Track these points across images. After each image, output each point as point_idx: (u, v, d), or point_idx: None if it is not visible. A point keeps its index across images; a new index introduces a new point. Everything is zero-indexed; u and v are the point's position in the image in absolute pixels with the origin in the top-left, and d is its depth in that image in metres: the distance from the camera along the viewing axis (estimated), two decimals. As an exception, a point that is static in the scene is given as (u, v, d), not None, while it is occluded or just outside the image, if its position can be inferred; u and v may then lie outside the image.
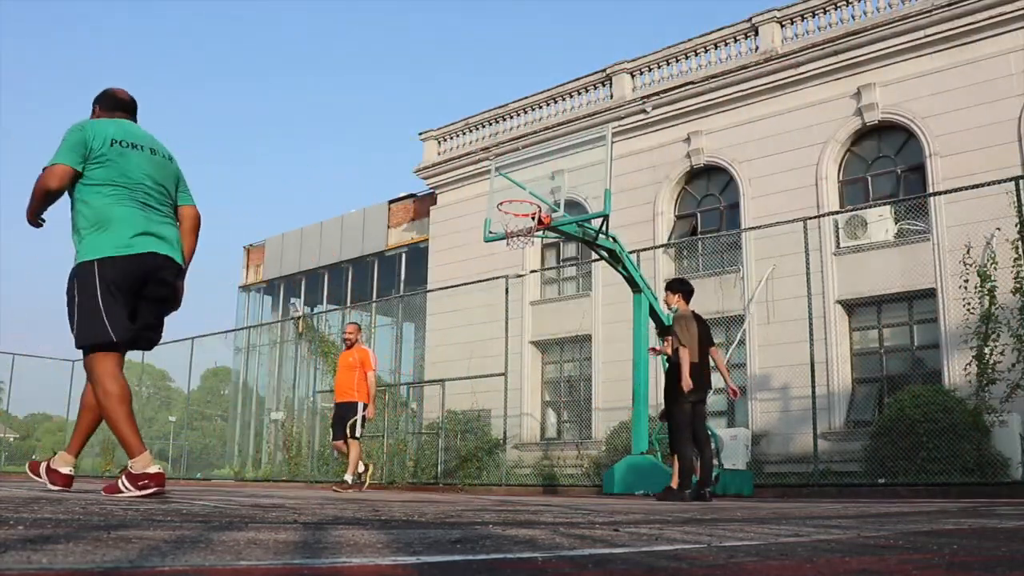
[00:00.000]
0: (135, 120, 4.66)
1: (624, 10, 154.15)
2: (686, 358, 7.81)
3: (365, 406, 9.93)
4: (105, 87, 4.73)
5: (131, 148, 4.36)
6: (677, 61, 18.18)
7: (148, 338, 4.52)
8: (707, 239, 17.08)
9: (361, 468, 10.11)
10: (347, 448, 9.90)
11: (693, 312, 8.15)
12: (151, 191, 4.36)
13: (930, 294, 14.09)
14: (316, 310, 25.91)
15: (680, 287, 8.36)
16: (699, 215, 17.82)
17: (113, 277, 4.13)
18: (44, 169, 4.19)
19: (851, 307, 15.35)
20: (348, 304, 23.18)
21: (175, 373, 28.53)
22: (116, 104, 4.63)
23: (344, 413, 9.92)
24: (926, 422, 10.42)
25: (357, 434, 9.83)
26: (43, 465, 4.94)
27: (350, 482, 9.65)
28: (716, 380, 8.52)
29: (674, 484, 7.87)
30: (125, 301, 4.20)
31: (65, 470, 4.74)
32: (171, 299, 4.47)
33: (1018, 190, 9.54)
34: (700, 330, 8.03)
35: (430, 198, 22.96)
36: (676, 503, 6.68)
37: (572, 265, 19.58)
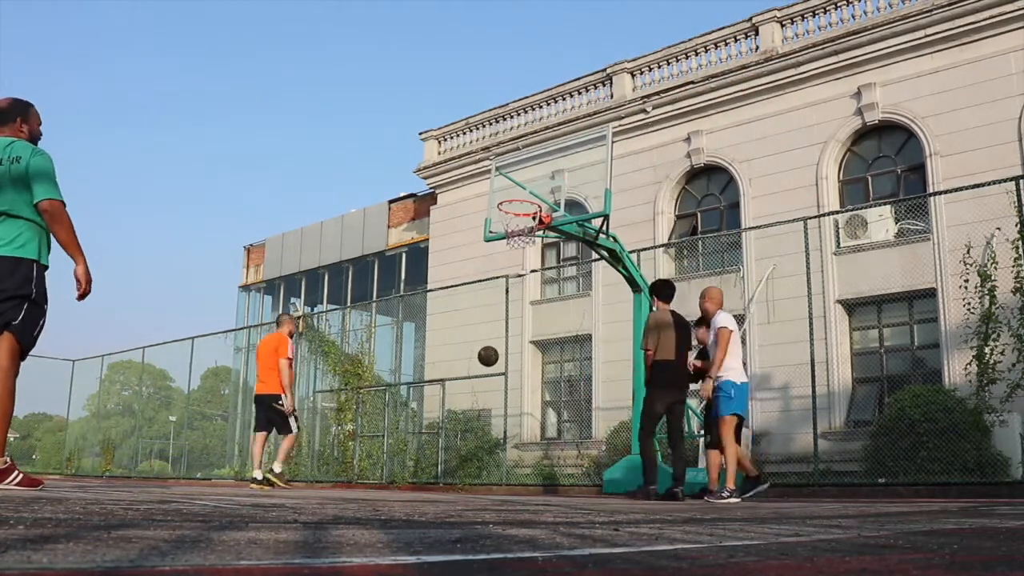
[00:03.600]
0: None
1: (624, 10, 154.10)
2: (649, 360, 7.89)
3: None
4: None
5: None
6: (677, 61, 18.17)
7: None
8: (707, 239, 17.07)
9: None
10: None
11: (673, 312, 8.07)
12: None
13: (930, 294, 14.08)
14: (316, 310, 25.90)
15: (655, 290, 8.32)
16: (699, 215, 17.81)
17: None
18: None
19: (851, 307, 15.34)
20: (348, 304, 23.18)
21: (175, 373, 28.47)
22: None
23: None
24: (926, 422, 10.41)
25: None
26: None
27: None
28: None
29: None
30: None
31: None
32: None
33: (1018, 190, 9.53)
34: (680, 330, 7.94)
35: (430, 198, 22.96)
36: (642, 501, 6.66)
37: (572, 265, 19.57)
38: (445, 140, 22.48)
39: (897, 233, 15.01)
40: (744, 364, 8.24)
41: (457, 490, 13.27)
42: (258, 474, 9.10)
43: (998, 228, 11.09)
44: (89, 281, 4.66)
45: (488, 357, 11.20)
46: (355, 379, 16.92)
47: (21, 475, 4.60)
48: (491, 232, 9.84)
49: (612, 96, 19.01)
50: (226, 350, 24.21)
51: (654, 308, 8.36)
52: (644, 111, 18.22)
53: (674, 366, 7.86)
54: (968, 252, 10.37)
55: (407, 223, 24.06)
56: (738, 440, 8.10)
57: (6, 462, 4.53)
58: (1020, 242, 9.49)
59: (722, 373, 7.47)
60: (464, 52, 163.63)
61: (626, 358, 11.00)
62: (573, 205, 15.62)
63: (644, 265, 13.60)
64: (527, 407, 18.83)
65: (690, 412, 11.24)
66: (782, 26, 16.79)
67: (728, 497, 7.08)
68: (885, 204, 14.68)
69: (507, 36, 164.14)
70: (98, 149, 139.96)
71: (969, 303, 10.11)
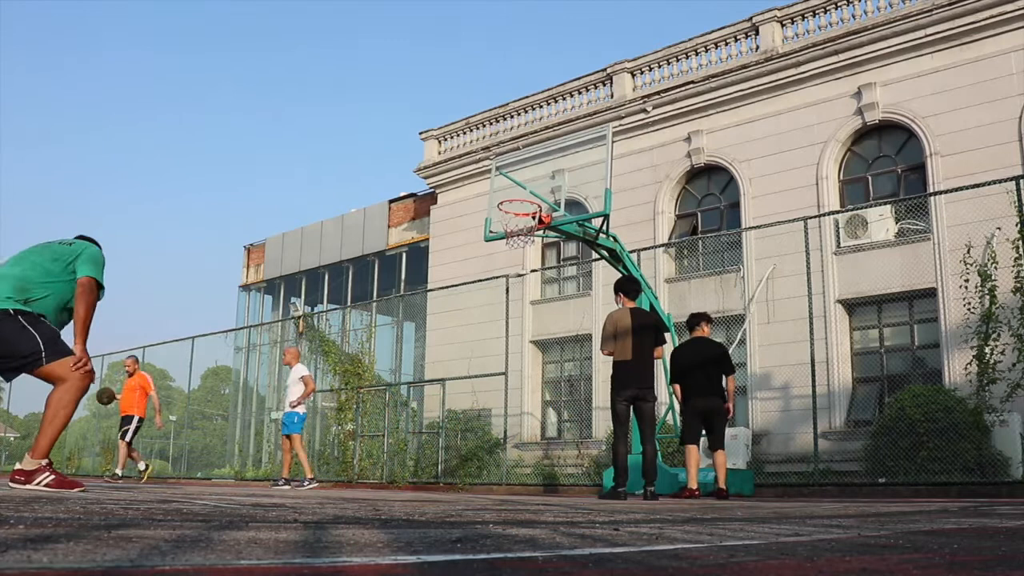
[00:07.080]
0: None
1: (624, 10, 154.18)
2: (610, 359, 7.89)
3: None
4: None
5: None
6: (677, 60, 18.16)
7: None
8: (708, 238, 17.07)
9: None
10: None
11: (633, 310, 7.92)
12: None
13: (930, 293, 14.08)
14: (316, 309, 25.90)
15: (619, 286, 8.16)
16: (699, 214, 17.81)
17: None
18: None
19: (851, 306, 15.34)
20: (348, 304, 23.18)
21: (175, 372, 28.47)
22: None
23: None
24: (926, 422, 10.41)
25: None
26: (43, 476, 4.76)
27: None
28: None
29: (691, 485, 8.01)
30: None
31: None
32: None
33: (1018, 189, 9.53)
34: (639, 328, 7.77)
35: (431, 197, 22.95)
36: (613, 502, 6.63)
37: (572, 264, 19.56)
38: (445, 140, 22.47)
39: (897, 233, 15.00)
40: (744, 364, 8.23)
41: (457, 490, 13.27)
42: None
43: (998, 228, 11.09)
44: None
45: (102, 397, 13.64)
46: (355, 379, 16.92)
47: (53, 476, 4.74)
48: (491, 232, 9.84)
49: (612, 96, 19.01)
50: (226, 350, 24.24)
51: (619, 305, 8.15)
52: (644, 111, 18.21)
53: (630, 365, 7.69)
54: (968, 252, 10.36)
55: (407, 223, 24.06)
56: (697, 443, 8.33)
57: (39, 464, 4.78)
58: (1020, 242, 9.49)
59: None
60: (465, 51, 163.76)
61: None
62: (573, 205, 15.63)
63: (644, 265, 13.62)
64: (527, 407, 18.84)
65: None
66: (782, 26, 16.78)
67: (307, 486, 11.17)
68: (885, 204, 14.67)
69: (507, 36, 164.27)
70: (98, 150, 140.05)
71: (969, 303, 10.10)
